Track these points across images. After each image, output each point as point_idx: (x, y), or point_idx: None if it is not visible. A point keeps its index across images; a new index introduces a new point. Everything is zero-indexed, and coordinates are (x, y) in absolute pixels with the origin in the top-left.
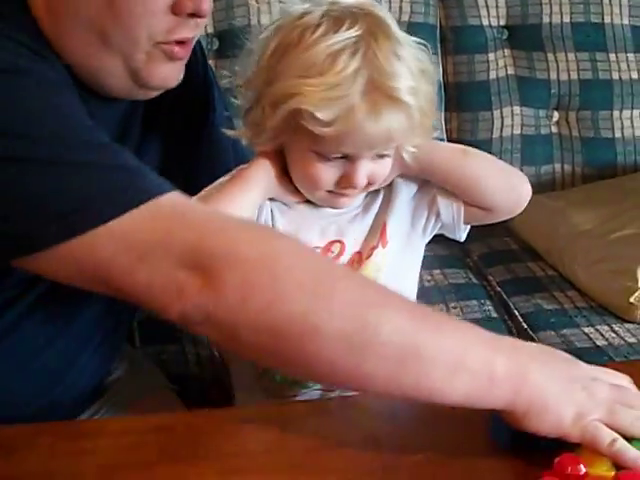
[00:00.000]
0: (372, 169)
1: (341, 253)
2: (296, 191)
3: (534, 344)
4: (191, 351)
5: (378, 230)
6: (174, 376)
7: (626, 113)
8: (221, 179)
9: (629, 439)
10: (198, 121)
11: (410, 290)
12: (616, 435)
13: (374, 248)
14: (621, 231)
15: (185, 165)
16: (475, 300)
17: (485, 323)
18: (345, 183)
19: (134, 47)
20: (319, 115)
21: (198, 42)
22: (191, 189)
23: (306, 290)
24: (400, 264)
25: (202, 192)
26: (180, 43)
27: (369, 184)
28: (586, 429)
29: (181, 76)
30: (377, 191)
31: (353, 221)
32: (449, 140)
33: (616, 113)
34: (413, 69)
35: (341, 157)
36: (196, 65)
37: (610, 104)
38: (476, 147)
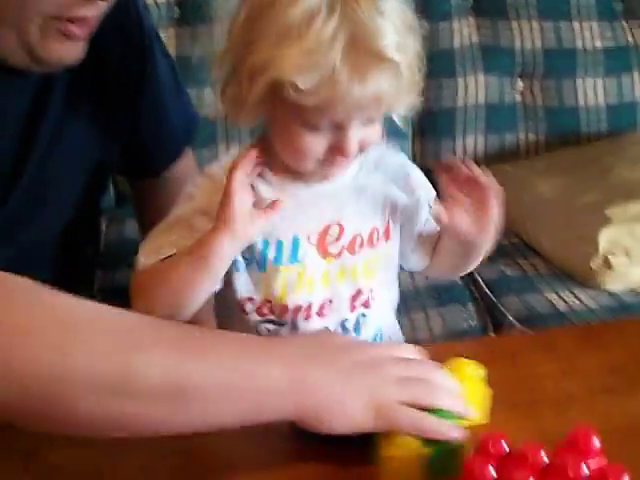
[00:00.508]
0: (363, 134)
1: (340, 236)
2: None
3: (309, 336)
4: None
5: (380, 211)
6: None
7: (589, 82)
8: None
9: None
10: (133, 89)
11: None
12: (412, 412)
13: (377, 233)
14: (583, 198)
15: (122, 137)
16: None
17: (449, 290)
18: (336, 152)
19: (25, 20)
20: (300, 84)
21: (135, 3)
22: (134, 162)
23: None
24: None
25: (151, 234)
26: (78, 21)
27: (362, 150)
28: (380, 416)
29: (82, 54)
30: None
31: (350, 199)
32: None
33: (579, 82)
34: (398, 23)
35: (330, 125)
36: (130, 28)
37: (574, 73)
38: (440, 116)
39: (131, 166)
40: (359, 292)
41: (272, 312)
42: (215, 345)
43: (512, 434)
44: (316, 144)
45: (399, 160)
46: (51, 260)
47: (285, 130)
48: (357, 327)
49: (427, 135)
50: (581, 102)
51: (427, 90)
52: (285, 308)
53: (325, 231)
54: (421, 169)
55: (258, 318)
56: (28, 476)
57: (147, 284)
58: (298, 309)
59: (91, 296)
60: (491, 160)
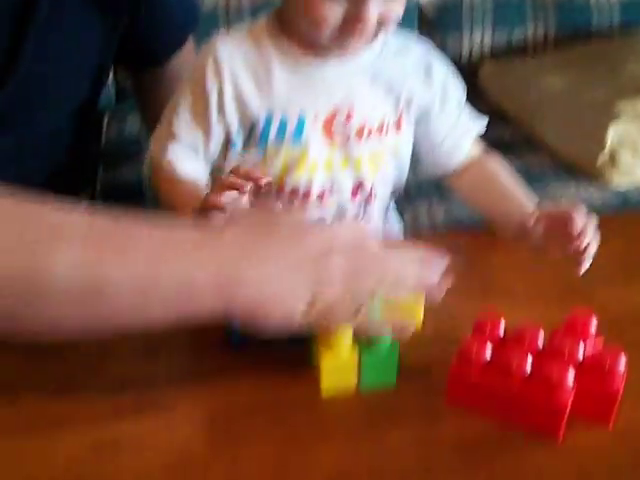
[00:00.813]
0: (384, 7)
1: (348, 120)
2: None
3: (255, 220)
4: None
5: (393, 100)
6: None
7: None
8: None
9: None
10: None
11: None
12: (348, 310)
13: (387, 123)
14: (592, 93)
15: (121, 23)
16: None
17: None
18: (354, 21)
19: None
20: None
21: None
22: (136, 51)
23: None
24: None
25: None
26: None
27: (382, 27)
28: (321, 314)
29: None
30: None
31: (362, 83)
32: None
33: None
34: None
35: None
36: None
37: None
38: (447, 9)
39: (132, 55)
40: (361, 184)
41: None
42: (136, 239)
43: (509, 320)
44: (333, 11)
45: (423, 49)
46: (51, 154)
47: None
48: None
49: (433, 30)
50: None
51: None
52: (282, 190)
53: (333, 114)
54: None
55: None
56: None
57: (158, 190)
58: (295, 192)
59: (93, 194)
60: (498, 55)
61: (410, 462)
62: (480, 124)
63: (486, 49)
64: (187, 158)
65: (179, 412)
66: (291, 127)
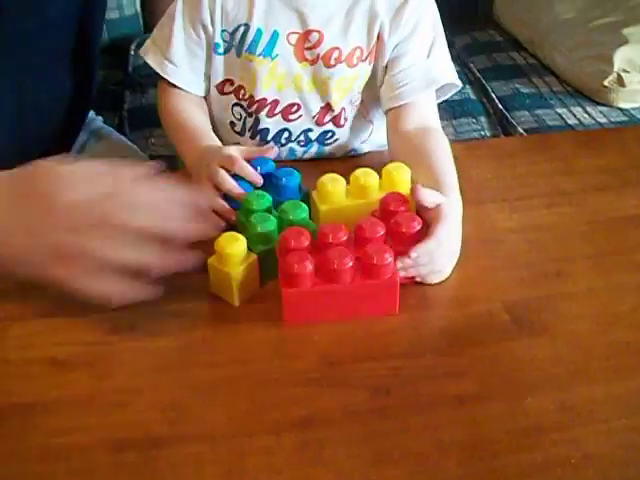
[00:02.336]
0: None
1: (318, 43)
2: None
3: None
4: None
5: (367, 31)
6: (160, 158)
7: None
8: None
9: None
10: None
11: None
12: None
13: (360, 53)
14: (601, 19)
15: None
16: None
17: (464, 104)
18: None
19: None
20: None
21: None
22: None
23: None
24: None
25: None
26: None
27: None
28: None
29: None
30: None
31: (337, 12)
32: None
33: None
34: None
35: None
36: None
37: None
38: None
39: None
40: (328, 106)
41: (245, 99)
42: None
43: (500, 224)
44: None
45: None
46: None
47: None
48: (321, 141)
49: None
50: None
51: None
52: (252, 98)
53: (305, 35)
54: None
55: (234, 100)
56: None
57: (166, 118)
58: (263, 102)
59: (120, 115)
60: None
61: None
62: (437, 80)
63: None
64: (184, 66)
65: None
66: (265, 39)
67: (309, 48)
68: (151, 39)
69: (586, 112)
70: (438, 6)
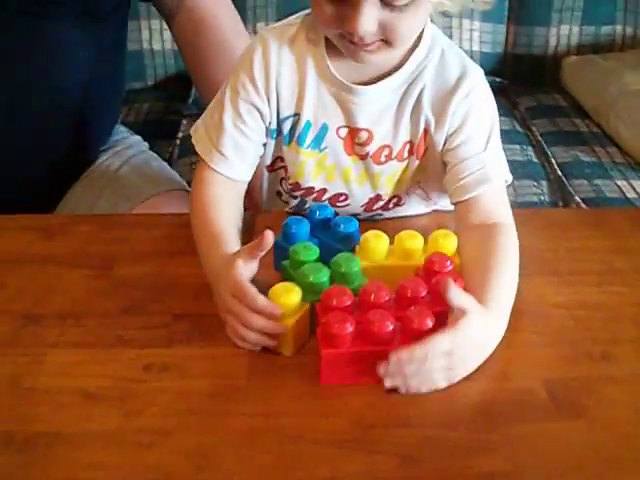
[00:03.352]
0: (386, 19)
1: (368, 142)
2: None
3: None
4: None
5: (418, 126)
6: None
7: None
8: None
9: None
10: None
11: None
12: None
13: (410, 147)
14: None
15: None
16: (517, 145)
17: (525, 165)
18: (348, 26)
19: None
20: None
21: None
22: None
23: None
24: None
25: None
26: None
27: (387, 39)
28: None
29: None
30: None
31: (387, 111)
32: None
33: None
34: None
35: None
36: None
37: None
38: (537, 2)
39: None
40: (378, 197)
41: (289, 183)
42: None
43: (548, 298)
44: (328, 12)
45: (454, 75)
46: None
47: None
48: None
49: (521, 21)
50: None
51: None
52: (298, 185)
53: (355, 132)
54: (512, 55)
55: (283, 175)
56: None
57: (193, 209)
58: (311, 190)
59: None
60: (584, 51)
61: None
62: (490, 179)
63: (573, 44)
64: (232, 157)
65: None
66: (313, 131)
67: (359, 144)
68: (203, 125)
69: None
70: (506, 66)
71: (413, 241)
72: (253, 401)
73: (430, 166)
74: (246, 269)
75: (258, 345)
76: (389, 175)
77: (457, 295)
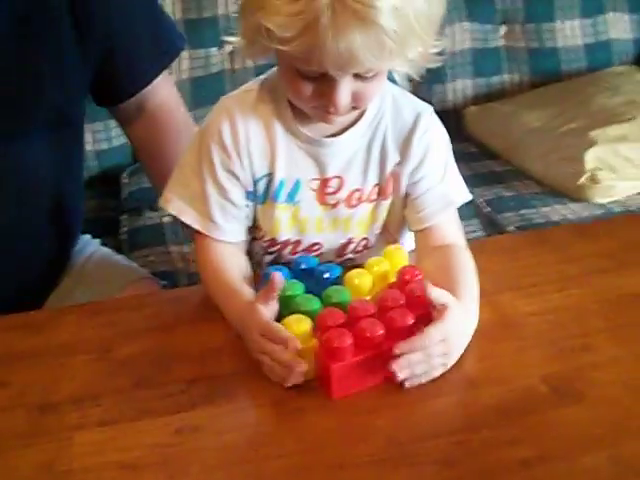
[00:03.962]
0: (357, 89)
1: (339, 189)
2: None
3: None
4: (175, 250)
5: (385, 168)
6: (160, 274)
7: (568, 24)
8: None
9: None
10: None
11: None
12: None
13: (379, 190)
14: (568, 125)
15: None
16: None
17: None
18: (326, 101)
19: None
20: (276, 31)
21: None
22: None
23: None
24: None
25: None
26: None
27: (356, 105)
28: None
29: None
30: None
31: (355, 157)
32: None
33: (558, 24)
34: None
35: (321, 75)
36: None
37: (552, 16)
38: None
39: (98, 91)
40: (349, 241)
41: (264, 241)
42: None
43: (520, 309)
44: (307, 89)
45: (410, 116)
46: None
47: (284, 70)
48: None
49: (420, 81)
50: (560, 43)
51: None
52: (274, 240)
53: (326, 182)
54: None
55: (264, 245)
56: None
57: (204, 277)
58: (286, 243)
59: (118, 239)
60: (479, 101)
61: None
62: (453, 202)
63: (468, 96)
64: (224, 223)
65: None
66: (287, 188)
67: (330, 193)
68: (178, 196)
69: (568, 208)
70: None
71: (382, 265)
72: (287, 442)
73: (395, 207)
74: (267, 310)
75: (295, 378)
76: (359, 218)
77: (438, 293)
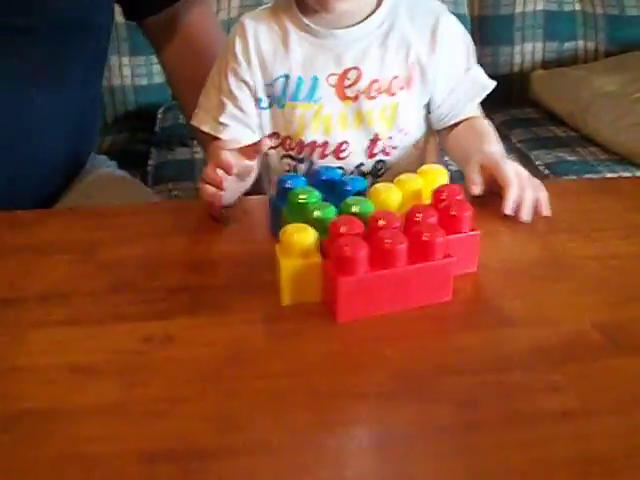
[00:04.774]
0: None
1: (358, 80)
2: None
3: None
4: None
5: (403, 60)
6: None
7: None
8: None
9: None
10: None
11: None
12: None
13: (398, 81)
14: None
15: None
16: None
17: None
18: None
19: None
20: None
21: None
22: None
23: None
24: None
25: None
26: None
27: None
28: None
29: None
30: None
31: (370, 47)
32: (471, 15)
33: None
34: None
35: None
36: None
37: None
38: (499, 22)
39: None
40: (376, 138)
41: (292, 148)
42: None
43: (577, 252)
44: None
45: (432, 11)
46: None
47: None
48: (374, 173)
49: (485, 42)
50: None
51: None
52: (302, 143)
53: (344, 74)
54: None
55: (282, 152)
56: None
57: None
58: (314, 145)
59: (145, 171)
60: (549, 67)
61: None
62: (487, 86)
63: (537, 61)
64: (236, 125)
65: (234, 313)
66: (306, 86)
67: (349, 86)
68: (202, 110)
69: (635, 176)
70: None
71: (414, 182)
72: (276, 362)
73: (421, 104)
74: (230, 151)
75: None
76: (381, 110)
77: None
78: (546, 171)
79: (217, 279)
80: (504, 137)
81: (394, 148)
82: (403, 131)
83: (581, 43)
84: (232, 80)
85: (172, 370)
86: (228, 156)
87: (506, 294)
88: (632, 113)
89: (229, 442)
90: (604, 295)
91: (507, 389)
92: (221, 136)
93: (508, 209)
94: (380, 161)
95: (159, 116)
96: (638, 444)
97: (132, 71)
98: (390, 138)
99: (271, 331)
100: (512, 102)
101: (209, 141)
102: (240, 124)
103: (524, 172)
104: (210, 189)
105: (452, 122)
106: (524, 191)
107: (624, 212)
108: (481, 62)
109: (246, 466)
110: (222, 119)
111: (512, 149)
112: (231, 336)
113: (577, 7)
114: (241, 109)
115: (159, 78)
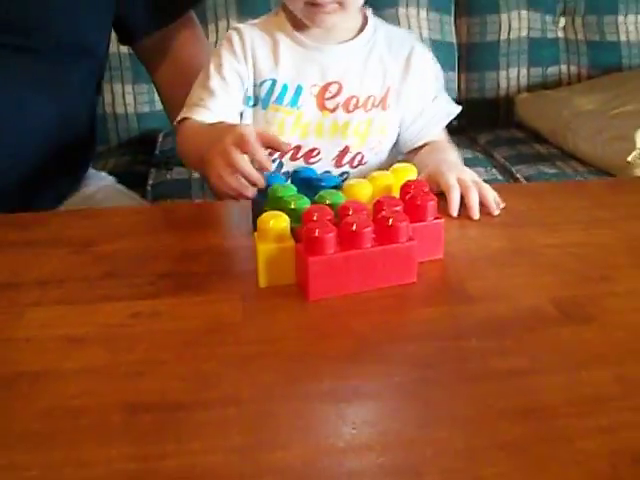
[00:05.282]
0: None
1: (338, 93)
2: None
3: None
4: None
5: (379, 82)
6: None
7: (631, 18)
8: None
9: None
10: None
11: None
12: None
13: (373, 101)
14: (622, 108)
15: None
16: (482, 167)
17: (490, 183)
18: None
19: None
20: None
21: None
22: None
23: None
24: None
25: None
26: None
27: (340, 1)
28: None
29: None
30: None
31: (352, 66)
32: (458, 43)
33: (621, 18)
34: None
35: None
36: None
37: (615, 9)
38: (484, 49)
39: (118, 26)
40: (346, 150)
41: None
42: None
43: (540, 241)
44: None
45: (406, 37)
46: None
47: None
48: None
49: (472, 68)
50: (622, 37)
51: (473, 25)
52: None
53: (326, 87)
54: (466, 101)
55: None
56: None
57: (180, 139)
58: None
59: (144, 190)
60: (533, 91)
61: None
62: (452, 112)
63: (522, 85)
64: (220, 96)
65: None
66: (290, 93)
67: (329, 98)
68: (185, 106)
69: None
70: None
71: (385, 178)
72: (250, 332)
73: (389, 122)
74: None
75: (232, 190)
76: (356, 125)
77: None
78: (524, 182)
79: (201, 267)
80: (489, 155)
81: (361, 164)
82: (374, 150)
83: (564, 67)
84: (228, 68)
85: (155, 339)
86: (264, 156)
87: (469, 277)
88: (610, 128)
89: (203, 397)
90: (562, 276)
91: (462, 353)
92: (194, 116)
93: (452, 211)
94: (345, 172)
95: (159, 140)
96: (578, 396)
97: (135, 99)
98: (359, 153)
99: (248, 308)
100: (499, 124)
101: (196, 156)
102: (226, 95)
103: (470, 177)
104: (245, 183)
105: (418, 144)
106: (467, 193)
107: (588, 209)
108: (468, 87)
109: (217, 415)
110: (211, 84)
111: (496, 165)
112: (211, 312)
113: (560, 34)
114: (226, 92)
115: (160, 105)
